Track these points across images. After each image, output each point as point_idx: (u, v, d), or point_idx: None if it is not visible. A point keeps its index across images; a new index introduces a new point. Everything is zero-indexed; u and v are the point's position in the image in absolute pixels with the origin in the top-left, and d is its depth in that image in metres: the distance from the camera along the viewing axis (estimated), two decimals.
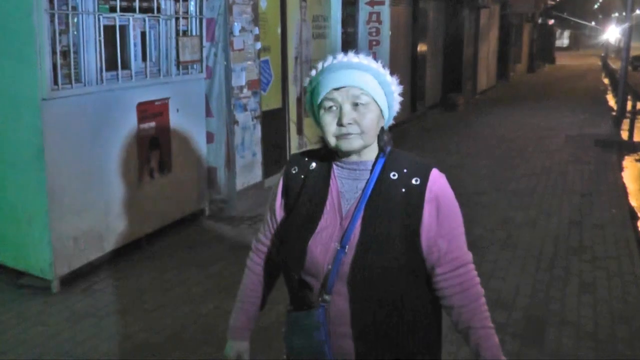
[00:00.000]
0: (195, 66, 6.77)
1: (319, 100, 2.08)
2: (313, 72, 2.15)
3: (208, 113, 7.18)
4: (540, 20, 35.50)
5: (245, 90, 7.47)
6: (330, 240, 2.10)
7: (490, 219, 7.39)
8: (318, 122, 2.14)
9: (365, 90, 2.06)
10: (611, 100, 19.91)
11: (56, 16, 5.03)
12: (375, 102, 2.09)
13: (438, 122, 15.25)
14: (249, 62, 7.56)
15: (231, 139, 7.33)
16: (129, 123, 5.88)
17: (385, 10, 10.92)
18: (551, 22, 39.22)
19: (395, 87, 2.15)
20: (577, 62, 38.99)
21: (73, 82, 5.25)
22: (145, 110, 6.07)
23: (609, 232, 6.99)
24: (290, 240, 2.18)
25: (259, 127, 7.79)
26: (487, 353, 2.11)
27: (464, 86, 19.02)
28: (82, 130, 5.36)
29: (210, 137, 7.25)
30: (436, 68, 17.57)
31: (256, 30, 7.67)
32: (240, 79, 7.39)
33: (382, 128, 2.14)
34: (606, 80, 26.86)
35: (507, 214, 7.65)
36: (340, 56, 2.12)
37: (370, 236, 2.05)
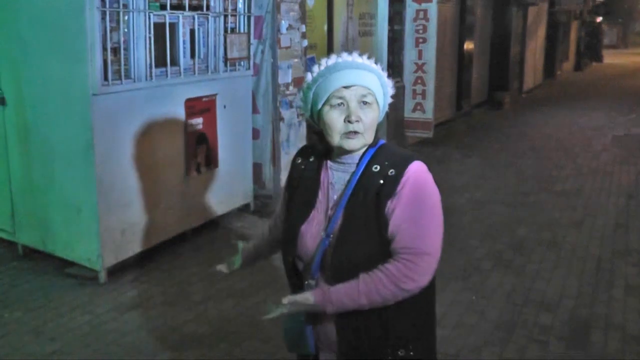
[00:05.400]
0: (242, 63, 6.82)
1: (325, 97, 2.14)
2: (316, 68, 2.21)
3: (254, 110, 7.24)
4: (588, 18, 34.93)
5: (291, 88, 7.51)
6: (318, 228, 2.23)
7: (536, 220, 7.33)
8: (318, 119, 2.22)
9: (372, 90, 2.16)
10: None
11: (107, 14, 5.11)
12: (377, 102, 2.18)
13: (484, 121, 15.12)
14: (296, 60, 7.60)
15: (277, 135, 7.39)
16: (177, 118, 5.97)
17: (433, 8, 10.84)
18: (599, 19, 38.56)
19: (390, 89, 2.24)
20: (625, 61, 38.27)
21: (123, 78, 5.33)
22: (193, 106, 6.15)
23: None
24: (287, 226, 2.33)
25: (304, 124, 7.83)
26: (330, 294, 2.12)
27: (511, 84, 18.81)
28: (131, 125, 5.46)
29: (256, 134, 7.31)
30: (482, 66, 17.42)
31: (303, 28, 7.70)
32: (286, 76, 7.44)
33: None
34: None
35: (553, 214, 7.57)
36: (345, 55, 2.19)
37: (349, 226, 2.15)
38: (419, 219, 2.12)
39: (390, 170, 2.14)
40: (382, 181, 2.14)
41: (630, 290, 5.43)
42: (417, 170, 2.16)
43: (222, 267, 2.72)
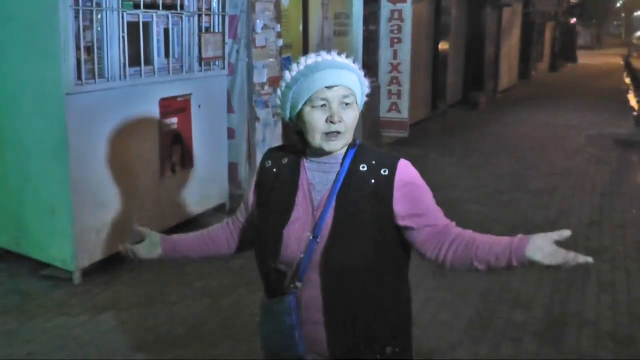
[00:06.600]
0: (217, 63, 6.81)
1: (307, 98, 2.13)
2: (296, 67, 2.19)
3: (230, 109, 7.22)
4: (562, 19, 35.24)
5: (266, 87, 7.50)
6: (303, 230, 2.19)
7: (511, 219, 7.37)
8: (298, 118, 2.20)
9: (353, 91, 2.16)
10: (632, 100, 19.74)
11: (81, 12, 5.07)
12: (356, 102, 2.18)
13: (459, 121, 15.19)
14: (271, 59, 7.59)
15: (252, 135, 7.38)
16: (152, 118, 5.94)
17: (408, 8, 10.88)
18: (573, 20, 38.92)
19: (367, 89, 2.25)
20: (600, 62, 38.63)
21: (97, 77, 5.30)
22: (168, 106, 6.12)
23: (629, 233, 6.96)
24: (265, 231, 2.26)
25: (280, 124, 7.82)
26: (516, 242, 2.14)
27: (486, 85, 18.93)
28: (105, 125, 5.42)
29: (231, 133, 7.29)
30: (458, 66, 17.52)
31: (278, 28, 7.69)
32: (262, 76, 7.43)
33: None
34: (627, 80, 26.62)
35: (527, 213, 7.63)
36: (325, 55, 2.18)
37: (341, 226, 2.14)
38: (432, 203, 2.22)
39: (383, 170, 2.16)
40: (373, 181, 2.15)
41: (603, 287, 5.49)
42: (408, 167, 2.21)
43: (137, 249, 2.73)
